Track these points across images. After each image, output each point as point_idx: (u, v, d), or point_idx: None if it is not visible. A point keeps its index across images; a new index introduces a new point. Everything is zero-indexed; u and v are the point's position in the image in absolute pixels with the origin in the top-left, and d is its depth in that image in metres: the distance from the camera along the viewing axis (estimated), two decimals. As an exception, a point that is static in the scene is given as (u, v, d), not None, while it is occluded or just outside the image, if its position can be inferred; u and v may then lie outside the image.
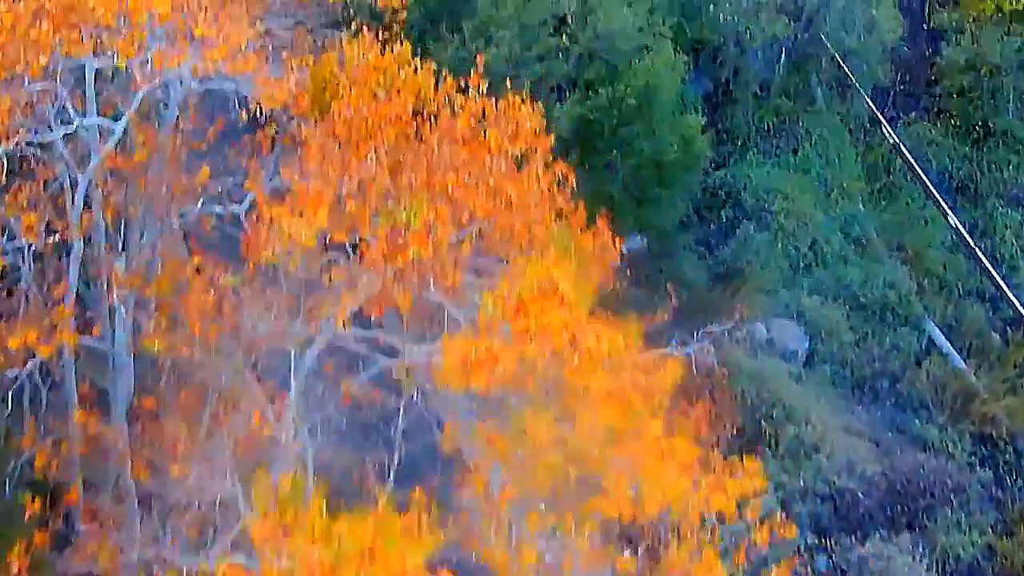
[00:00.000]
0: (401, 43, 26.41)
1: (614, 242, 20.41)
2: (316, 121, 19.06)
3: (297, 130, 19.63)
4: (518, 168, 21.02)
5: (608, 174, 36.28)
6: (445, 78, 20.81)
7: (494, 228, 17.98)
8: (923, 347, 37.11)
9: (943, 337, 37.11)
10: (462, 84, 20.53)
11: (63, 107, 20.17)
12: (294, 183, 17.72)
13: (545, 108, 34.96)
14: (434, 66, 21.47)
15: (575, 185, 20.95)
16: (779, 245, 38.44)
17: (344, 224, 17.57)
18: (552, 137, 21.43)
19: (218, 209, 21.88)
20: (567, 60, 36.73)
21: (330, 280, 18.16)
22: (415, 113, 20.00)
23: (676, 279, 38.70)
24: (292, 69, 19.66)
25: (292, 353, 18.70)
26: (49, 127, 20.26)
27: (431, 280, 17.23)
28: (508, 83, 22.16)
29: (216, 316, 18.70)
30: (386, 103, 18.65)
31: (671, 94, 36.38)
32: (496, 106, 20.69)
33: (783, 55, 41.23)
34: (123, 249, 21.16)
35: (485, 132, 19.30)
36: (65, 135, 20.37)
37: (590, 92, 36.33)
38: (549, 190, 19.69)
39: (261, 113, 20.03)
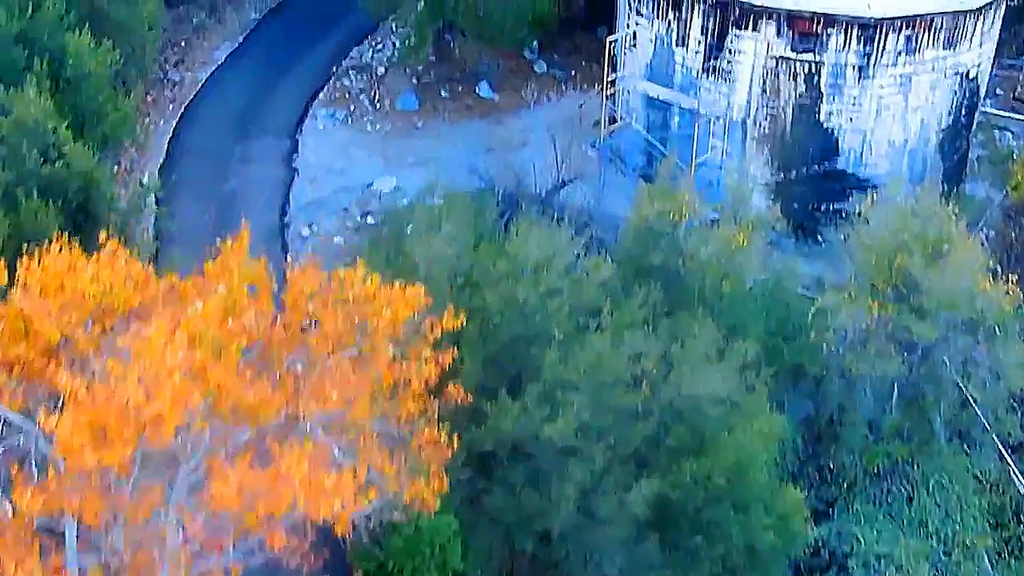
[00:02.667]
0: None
1: None
2: None
3: None
4: None
5: (692, 561, 31.14)
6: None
7: None
8: None
9: None
10: None
11: None
12: None
13: (618, 482, 31.03)
14: None
15: None
16: (893, 630, 32.86)
17: None
18: None
19: None
20: (647, 420, 31.94)
21: None
22: None
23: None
24: None
25: None
26: None
27: None
28: None
29: None
30: None
31: (766, 469, 31.30)
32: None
33: (895, 391, 35.86)
34: None
35: None
36: None
37: (672, 465, 31.40)
38: None
39: None
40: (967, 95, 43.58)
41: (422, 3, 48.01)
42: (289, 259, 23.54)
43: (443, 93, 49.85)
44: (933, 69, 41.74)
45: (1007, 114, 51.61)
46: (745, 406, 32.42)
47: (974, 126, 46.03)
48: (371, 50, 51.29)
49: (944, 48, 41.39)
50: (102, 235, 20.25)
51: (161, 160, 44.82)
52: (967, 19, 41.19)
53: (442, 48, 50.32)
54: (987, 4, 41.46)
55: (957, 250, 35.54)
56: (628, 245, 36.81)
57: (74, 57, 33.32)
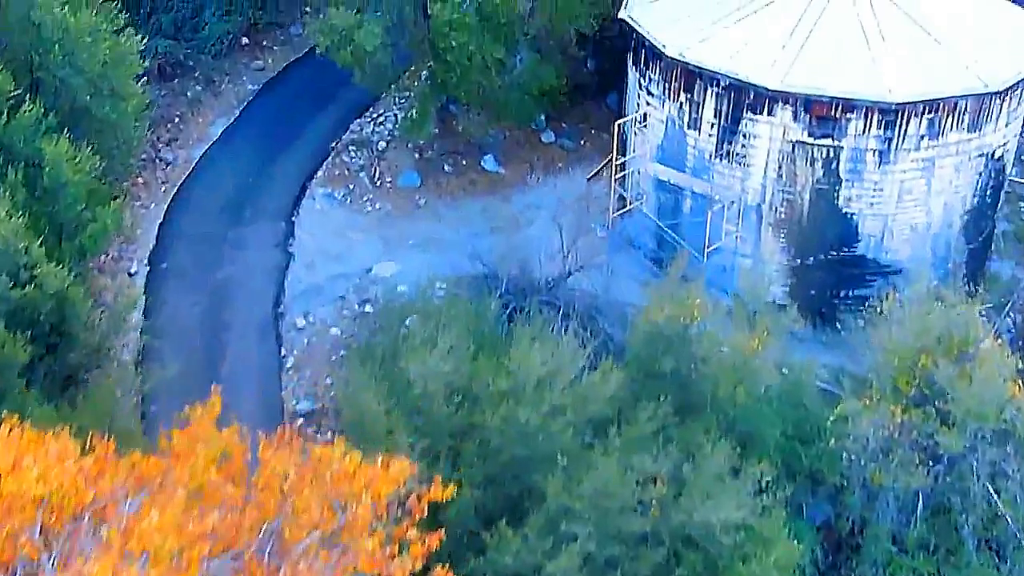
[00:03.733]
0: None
1: None
2: None
3: None
4: None
5: None
6: None
7: None
8: None
9: None
10: None
11: None
12: None
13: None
14: None
15: None
16: None
17: None
18: None
19: None
20: (656, 547, 30.38)
21: None
22: None
23: None
24: None
25: None
26: None
27: None
28: None
29: None
30: None
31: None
32: None
33: (920, 502, 34.08)
34: None
35: None
36: None
37: (684, 598, 29.81)
38: None
39: None
40: (993, 175, 41.87)
41: (424, 76, 46.37)
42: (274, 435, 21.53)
43: (446, 167, 48.21)
44: (957, 152, 40.08)
45: (1033, 183, 49.65)
46: (761, 532, 30.77)
47: (1000, 203, 44.14)
48: (372, 123, 49.64)
49: (969, 131, 39.65)
50: (49, 434, 18.52)
51: (151, 247, 43.26)
52: (993, 100, 39.38)
53: (446, 119, 48.61)
54: (1013, 85, 39.64)
55: (984, 359, 33.80)
56: (637, 349, 35.16)
57: (51, 166, 31.74)
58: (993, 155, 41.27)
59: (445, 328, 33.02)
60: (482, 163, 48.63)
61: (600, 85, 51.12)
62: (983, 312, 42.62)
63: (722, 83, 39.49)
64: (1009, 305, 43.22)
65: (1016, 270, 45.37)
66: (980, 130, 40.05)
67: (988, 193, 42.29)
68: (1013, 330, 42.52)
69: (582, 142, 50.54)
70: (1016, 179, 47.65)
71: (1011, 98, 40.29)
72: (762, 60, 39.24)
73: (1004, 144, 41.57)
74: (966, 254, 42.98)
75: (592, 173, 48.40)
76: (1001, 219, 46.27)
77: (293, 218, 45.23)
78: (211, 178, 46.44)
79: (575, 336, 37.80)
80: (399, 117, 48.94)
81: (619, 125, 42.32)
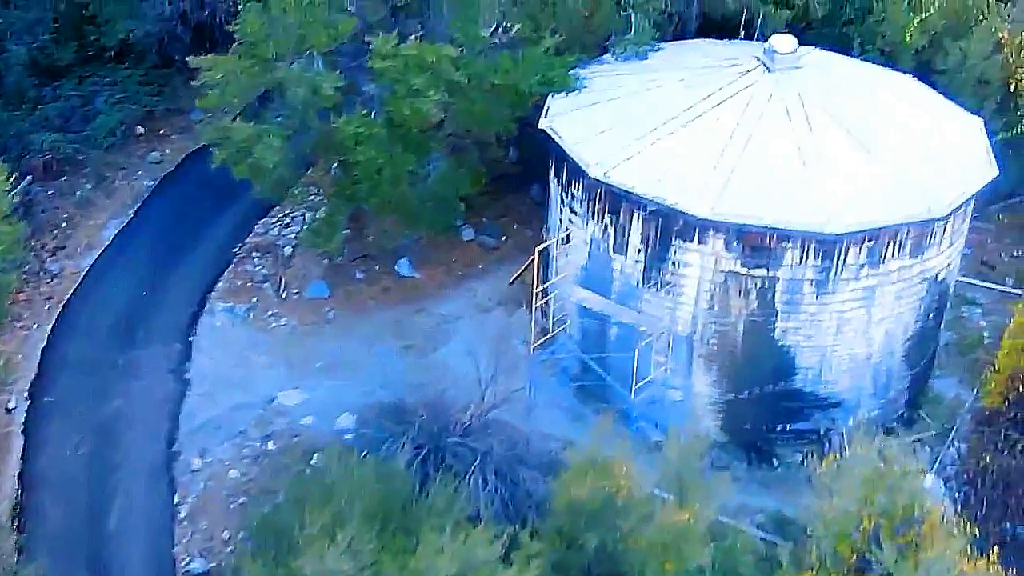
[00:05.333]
0: None
1: None
2: None
3: None
4: None
5: None
6: None
7: None
8: None
9: None
10: None
11: None
12: None
13: None
14: None
15: None
16: None
17: None
18: None
19: None
20: None
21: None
22: None
23: None
24: None
25: None
26: None
27: None
28: None
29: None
30: None
31: None
32: None
33: None
34: None
35: None
36: None
37: None
38: None
39: None
40: (936, 298, 39.73)
41: (333, 174, 43.39)
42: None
43: (358, 274, 45.38)
44: (898, 279, 37.81)
45: (976, 282, 47.40)
46: None
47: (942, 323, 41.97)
48: (278, 225, 46.64)
49: (911, 256, 37.45)
50: None
51: (32, 377, 40.01)
52: (936, 225, 37.14)
53: (358, 217, 45.58)
54: (956, 209, 37.43)
55: (931, 531, 31.56)
56: (559, 521, 32.55)
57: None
58: (936, 278, 39.07)
59: (347, 504, 30.40)
60: (396, 268, 45.75)
61: (523, 176, 48.37)
62: (924, 442, 40.67)
63: (649, 208, 36.90)
64: (953, 433, 41.06)
65: (959, 388, 43.00)
66: (922, 255, 37.83)
67: (931, 316, 40.10)
68: (957, 463, 40.29)
69: (503, 238, 47.87)
70: (961, 278, 45.38)
71: (955, 221, 38.11)
72: (691, 184, 36.75)
73: (948, 266, 39.39)
74: (908, 380, 40.81)
75: (513, 277, 45.72)
76: (943, 328, 43.90)
77: (191, 338, 42.16)
78: (102, 292, 43.27)
79: (494, 491, 35.44)
80: (307, 218, 45.90)
81: (539, 251, 39.48)
